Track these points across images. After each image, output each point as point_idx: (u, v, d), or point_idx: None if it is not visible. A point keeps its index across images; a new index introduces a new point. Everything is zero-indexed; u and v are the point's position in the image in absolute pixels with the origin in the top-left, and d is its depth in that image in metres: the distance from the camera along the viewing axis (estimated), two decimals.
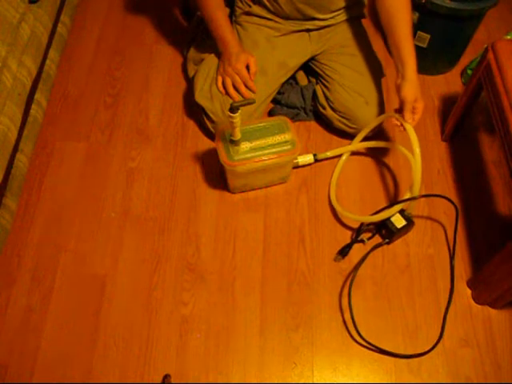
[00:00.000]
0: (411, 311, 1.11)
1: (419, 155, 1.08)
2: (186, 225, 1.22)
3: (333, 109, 1.29)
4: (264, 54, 1.27)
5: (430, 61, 1.49)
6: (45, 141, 1.35)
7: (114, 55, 1.55)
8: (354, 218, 1.19)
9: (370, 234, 1.20)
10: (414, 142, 1.08)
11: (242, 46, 1.25)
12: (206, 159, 1.33)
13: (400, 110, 1.13)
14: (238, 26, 1.32)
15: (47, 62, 1.42)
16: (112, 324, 1.08)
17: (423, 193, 1.27)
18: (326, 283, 1.14)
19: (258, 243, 1.19)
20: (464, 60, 1.54)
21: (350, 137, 1.33)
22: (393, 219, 1.16)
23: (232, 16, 1.34)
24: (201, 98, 1.27)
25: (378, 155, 1.35)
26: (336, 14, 1.27)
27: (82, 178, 1.29)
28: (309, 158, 1.29)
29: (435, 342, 1.05)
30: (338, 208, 1.20)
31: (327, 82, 1.30)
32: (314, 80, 1.39)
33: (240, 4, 1.30)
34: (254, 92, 1.24)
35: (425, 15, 1.35)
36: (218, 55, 1.28)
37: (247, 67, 1.23)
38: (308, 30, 1.30)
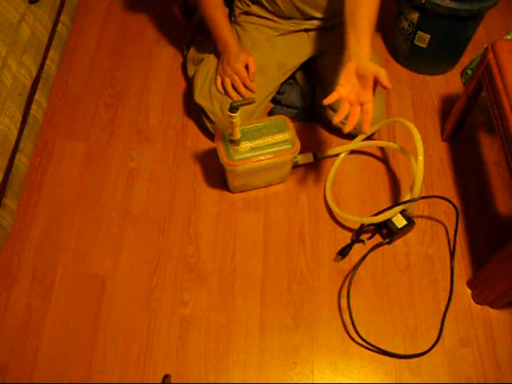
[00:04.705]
0: (411, 311, 1.11)
1: (422, 163, 1.08)
2: (186, 225, 1.22)
3: (332, 109, 1.29)
4: (263, 54, 1.27)
5: (430, 61, 1.49)
6: (45, 141, 1.35)
7: (114, 55, 1.54)
8: (354, 220, 1.19)
9: (369, 234, 1.20)
10: (419, 149, 1.08)
11: (241, 46, 1.25)
12: (205, 159, 1.33)
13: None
14: (237, 26, 1.32)
15: (47, 62, 1.42)
16: (112, 324, 1.08)
17: (423, 192, 1.27)
18: (325, 283, 1.14)
19: (258, 243, 1.19)
20: (464, 60, 1.54)
21: (349, 137, 1.33)
22: (394, 219, 1.16)
23: (231, 16, 1.34)
24: (200, 98, 1.27)
25: (377, 155, 1.35)
26: (335, 14, 1.27)
27: (82, 178, 1.29)
28: (309, 158, 1.29)
29: (434, 341, 1.05)
30: (336, 210, 1.20)
31: (327, 82, 1.30)
32: (313, 80, 1.39)
33: (239, 4, 1.30)
34: (253, 92, 1.24)
35: (425, 15, 1.35)
36: (218, 55, 1.28)
37: (246, 67, 1.23)
38: (307, 30, 1.30)
